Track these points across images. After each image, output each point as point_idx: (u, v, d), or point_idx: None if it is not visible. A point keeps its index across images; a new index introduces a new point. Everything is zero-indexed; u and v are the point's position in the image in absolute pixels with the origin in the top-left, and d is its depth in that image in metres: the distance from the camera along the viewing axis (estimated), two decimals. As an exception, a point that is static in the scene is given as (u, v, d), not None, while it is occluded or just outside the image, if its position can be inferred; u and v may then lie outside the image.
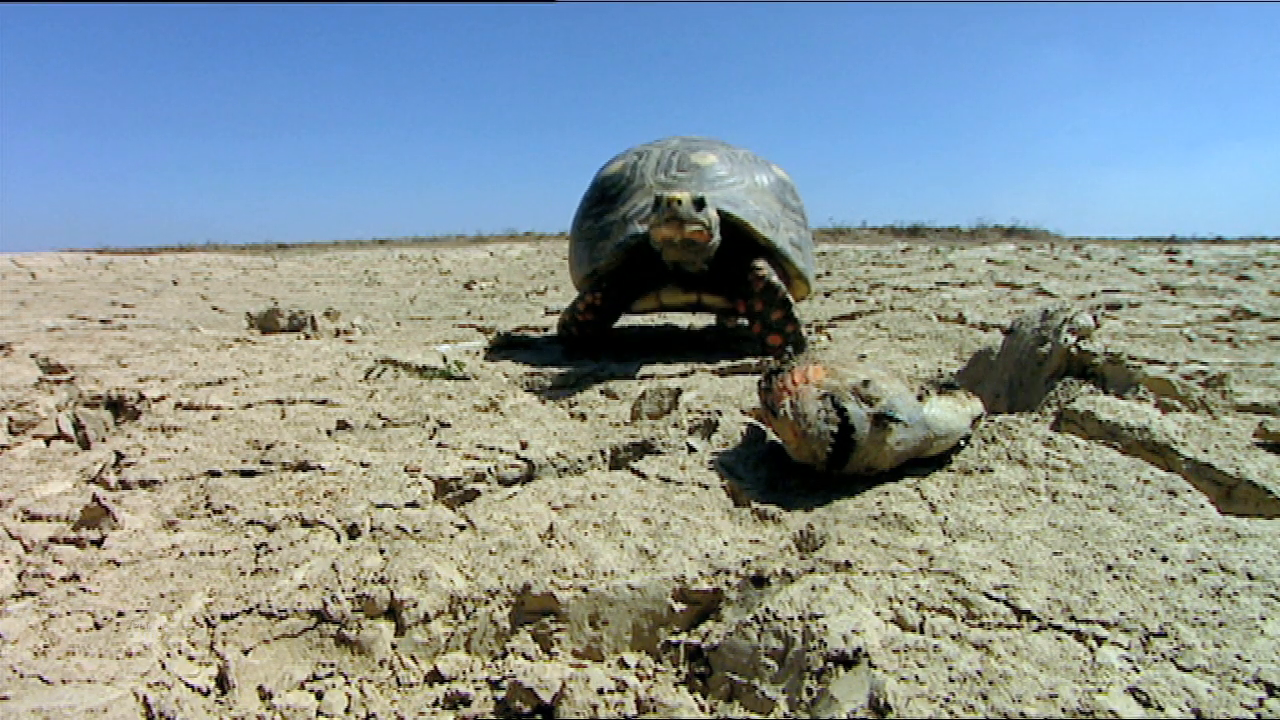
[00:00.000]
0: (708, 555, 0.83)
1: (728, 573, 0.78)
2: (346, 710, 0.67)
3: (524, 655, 0.73)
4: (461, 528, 0.93)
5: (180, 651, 0.72)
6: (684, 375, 1.85)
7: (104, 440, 1.40)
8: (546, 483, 1.10)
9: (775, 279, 1.98)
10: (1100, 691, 0.56)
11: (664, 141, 2.39)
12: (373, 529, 0.94)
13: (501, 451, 1.22)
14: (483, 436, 1.31)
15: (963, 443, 1.09)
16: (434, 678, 0.71)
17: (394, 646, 0.74)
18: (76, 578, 0.85)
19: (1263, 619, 0.65)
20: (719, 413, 1.33)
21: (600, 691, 0.65)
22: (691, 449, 1.18)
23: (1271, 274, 4.19)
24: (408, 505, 1.02)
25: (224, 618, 0.76)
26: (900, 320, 2.74)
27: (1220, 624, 0.64)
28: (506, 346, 2.40)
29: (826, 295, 3.85)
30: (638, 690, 0.66)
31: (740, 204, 2.08)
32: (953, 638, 0.64)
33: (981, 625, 0.66)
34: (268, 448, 1.31)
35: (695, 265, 1.96)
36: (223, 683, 0.69)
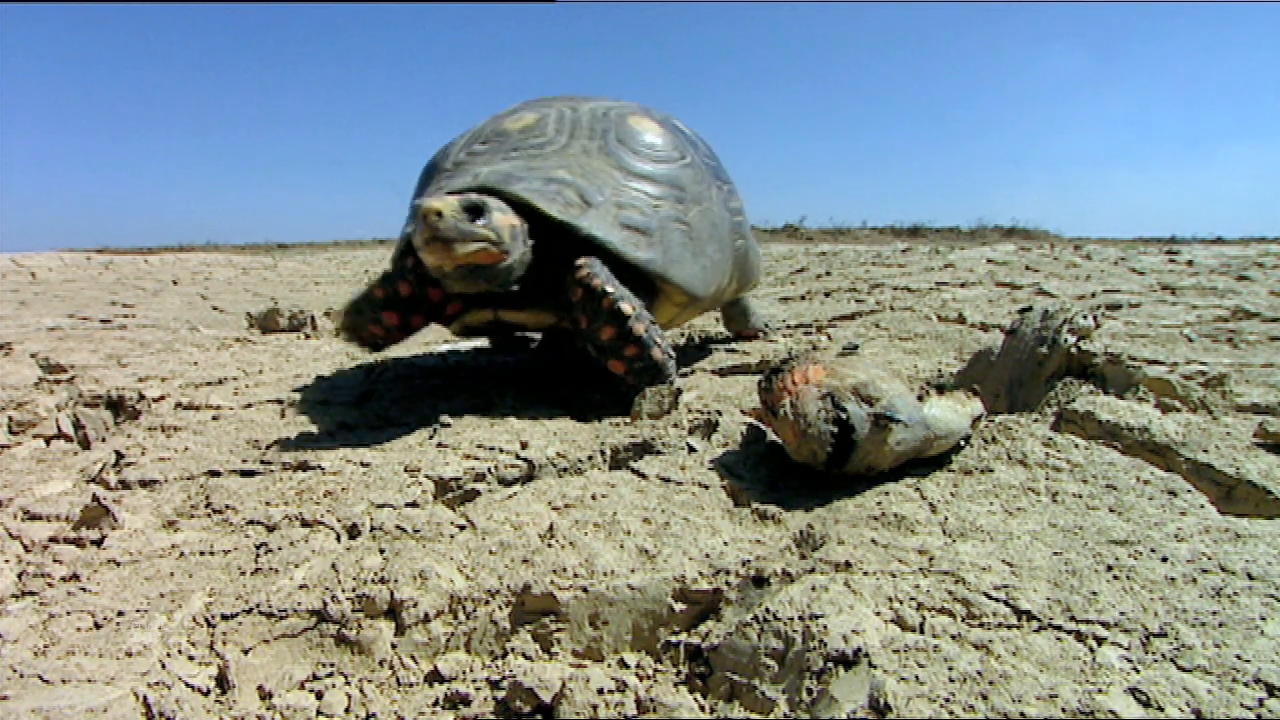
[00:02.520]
0: (708, 555, 0.83)
1: (728, 573, 0.78)
2: (346, 710, 0.67)
3: (524, 655, 0.73)
4: (461, 528, 0.93)
5: (180, 651, 0.72)
6: (684, 375, 1.85)
7: (104, 440, 1.40)
8: (546, 483, 1.10)
9: (601, 283, 1.41)
10: (1100, 691, 0.56)
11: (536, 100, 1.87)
12: (373, 529, 0.94)
13: (501, 451, 1.22)
14: (483, 436, 1.31)
15: (963, 443, 1.09)
16: (434, 678, 0.71)
17: (394, 646, 0.74)
18: (76, 578, 0.85)
19: (1263, 619, 0.65)
20: (719, 413, 1.33)
21: (600, 691, 0.65)
22: (691, 449, 1.18)
23: (1271, 274, 4.20)
24: (408, 505, 1.02)
25: (224, 618, 0.76)
26: (900, 320, 2.74)
27: (1220, 624, 0.64)
28: (507, 346, 2.40)
29: (827, 295, 3.85)
30: (638, 690, 0.66)
31: (541, 176, 1.52)
32: (953, 638, 0.64)
33: (981, 625, 0.66)
34: (268, 448, 1.31)
35: (495, 287, 1.43)
36: (223, 683, 0.69)
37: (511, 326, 1.69)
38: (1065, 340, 1.39)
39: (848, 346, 2.17)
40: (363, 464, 1.19)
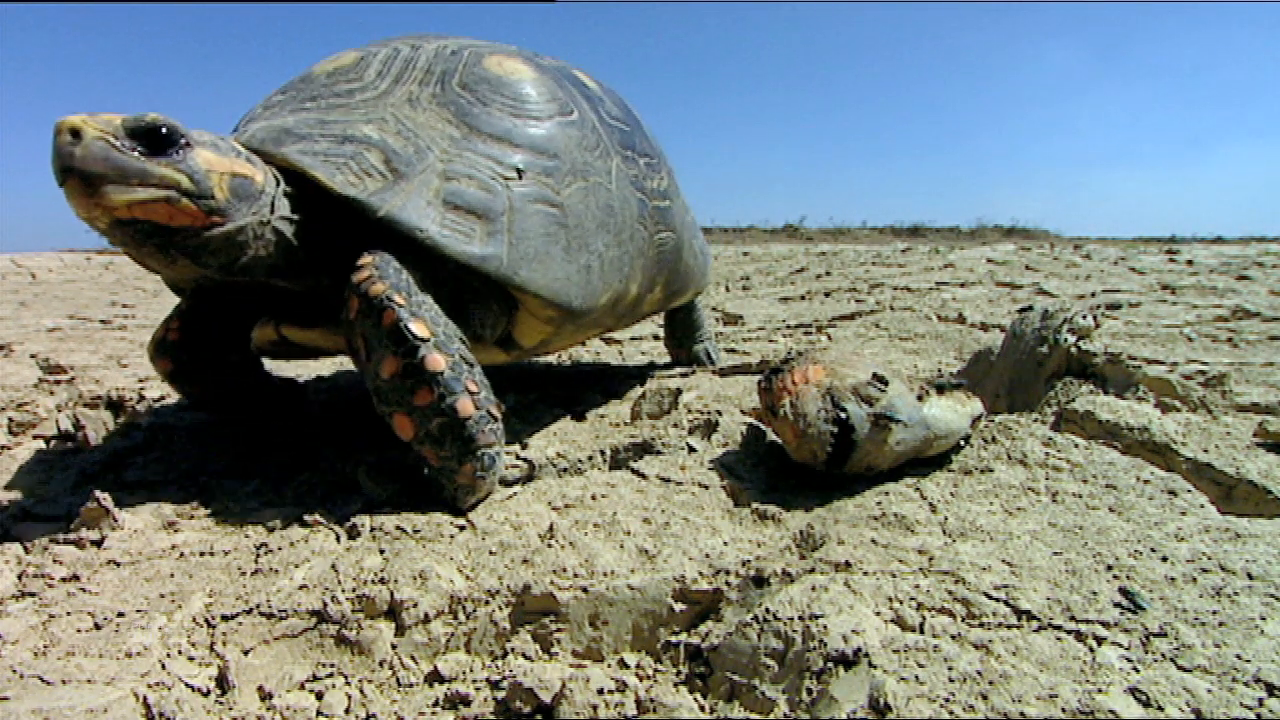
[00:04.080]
0: (708, 555, 0.83)
1: (728, 573, 0.78)
2: (346, 710, 0.67)
3: (524, 655, 0.73)
4: (461, 528, 0.93)
5: (180, 652, 0.72)
6: (684, 375, 1.85)
7: (104, 440, 1.40)
8: (546, 483, 1.10)
9: (383, 290, 0.97)
10: (1100, 691, 0.56)
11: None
12: (373, 529, 0.93)
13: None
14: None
15: (963, 443, 1.09)
16: (434, 678, 0.71)
17: (394, 647, 0.74)
18: (76, 578, 0.85)
19: (1263, 619, 0.65)
20: (719, 413, 1.33)
21: (600, 691, 0.65)
22: (691, 449, 1.18)
23: (1271, 274, 4.20)
24: (408, 505, 1.02)
25: (224, 618, 0.76)
26: (900, 320, 2.74)
27: (1220, 624, 0.64)
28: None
29: (827, 295, 3.86)
30: (638, 690, 0.66)
31: (334, 134, 1.10)
32: (953, 638, 0.64)
33: (981, 625, 0.66)
34: (268, 447, 1.31)
35: (227, 276, 1.03)
36: (223, 683, 0.69)
37: (303, 349, 1.29)
38: (1065, 340, 1.39)
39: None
40: (363, 463, 1.19)
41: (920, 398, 1.04)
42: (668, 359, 2.07)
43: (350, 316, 0.99)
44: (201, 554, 0.90)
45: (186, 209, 0.93)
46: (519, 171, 1.17)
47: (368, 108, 1.16)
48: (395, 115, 1.14)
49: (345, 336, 1.02)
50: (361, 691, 0.69)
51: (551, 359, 2.21)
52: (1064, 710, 0.55)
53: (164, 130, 0.90)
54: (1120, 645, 0.62)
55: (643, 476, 1.09)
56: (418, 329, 0.96)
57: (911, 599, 0.70)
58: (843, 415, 0.97)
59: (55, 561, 0.88)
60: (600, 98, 1.46)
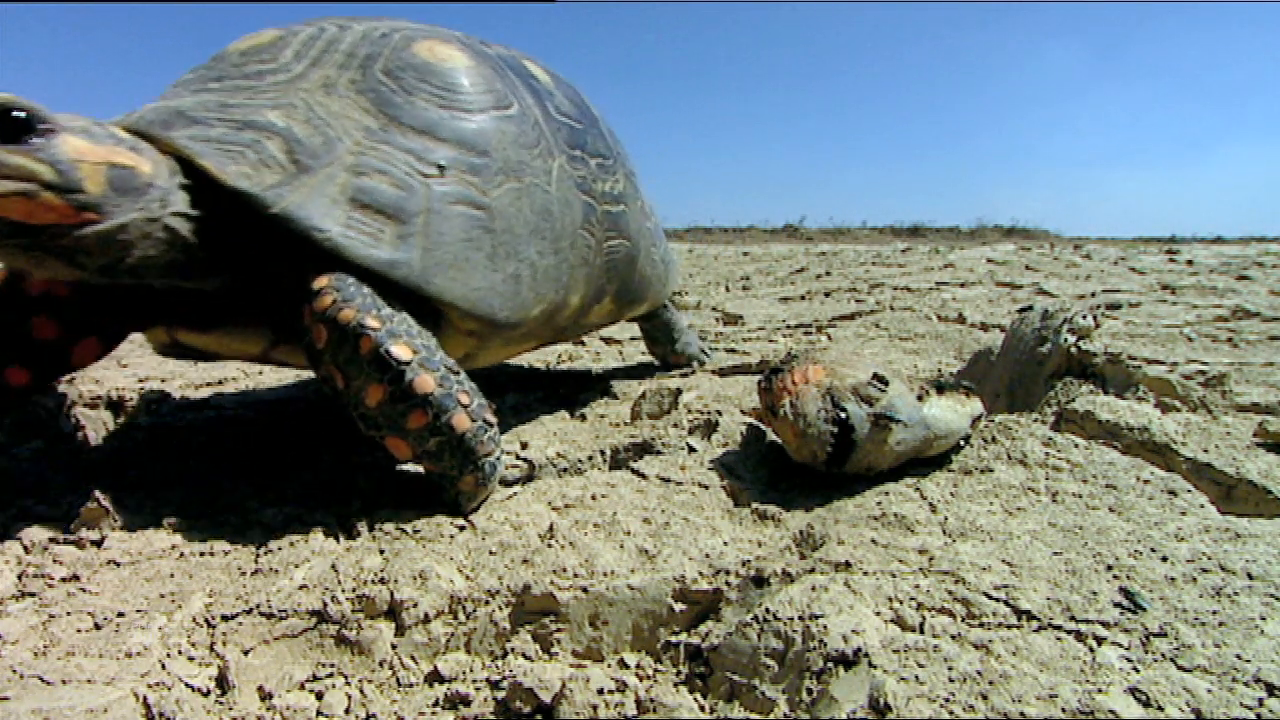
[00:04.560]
0: (708, 555, 0.83)
1: (728, 573, 0.78)
2: (346, 710, 0.67)
3: (524, 655, 0.73)
4: (461, 528, 0.93)
5: (180, 651, 0.72)
6: (684, 375, 1.85)
7: (104, 440, 1.40)
8: (546, 483, 1.10)
9: (355, 315, 0.91)
10: (1100, 691, 0.56)
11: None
12: (373, 529, 0.93)
13: (502, 451, 1.22)
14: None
15: (963, 443, 1.09)
16: (434, 678, 0.71)
17: (394, 647, 0.74)
18: (76, 578, 0.85)
19: (1263, 619, 0.65)
20: (719, 413, 1.33)
21: (600, 691, 0.65)
22: (691, 449, 1.18)
23: (1271, 274, 4.20)
24: (408, 505, 1.02)
25: (224, 618, 0.76)
26: (900, 320, 2.74)
27: (1220, 624, 0.64)
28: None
29: (827, 295, 3.86)
30: (638, 690, 0.66)
31: (233, 120, 0.99)
32: (953, 638, 0.64)
33: (981, 625, 0.66)
34: (268, 447, 1.31)
35: (107, 278, 0.91)
36: (223, 683, 0.69)
37: (202, 354, 1.16)
38: (1065, 340, 1.39)
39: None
40: (363, 463, 1.19)
41: (920, 398, 1.04)
42: (668, 359, 2.07)
43: (319, 346, 0.92)
44: (201, 554, 0.90)
45: (50, 204, 0.80)
46: (441, 168, 1.06)
47: (277, 92, 1.04)
48: (307, 101, 1.03)
49: (310, 364, 0.96)
50: (361, 691, 0.69)
51: (551, 359, 2.21)
52: (1064, 710, 0.55)
53: (18, 114, 0.77)
54: (1120, 645, 0.62)
55: (643, 476, 1.09)
56: (400, 352, 0.91)
57: (911, 599, 0.70)
58: (843, 415, 0.97)
59: (55, 561, 0.88)
60: (550, 92, 1.34)
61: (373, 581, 0.79)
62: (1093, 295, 3.40)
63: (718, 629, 0.72)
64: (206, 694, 0.68)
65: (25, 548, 0.92)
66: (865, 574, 0.75)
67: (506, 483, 1.11)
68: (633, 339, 2.60)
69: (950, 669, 0.60)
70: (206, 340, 1.10)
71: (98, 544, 0.93)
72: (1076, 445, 1.06)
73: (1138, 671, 0.59)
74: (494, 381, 1.84)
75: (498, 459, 0.99)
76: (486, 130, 1.14)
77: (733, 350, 2.22)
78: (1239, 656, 0.60)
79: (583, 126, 1.39)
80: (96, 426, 1.43)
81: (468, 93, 1.15)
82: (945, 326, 2.57)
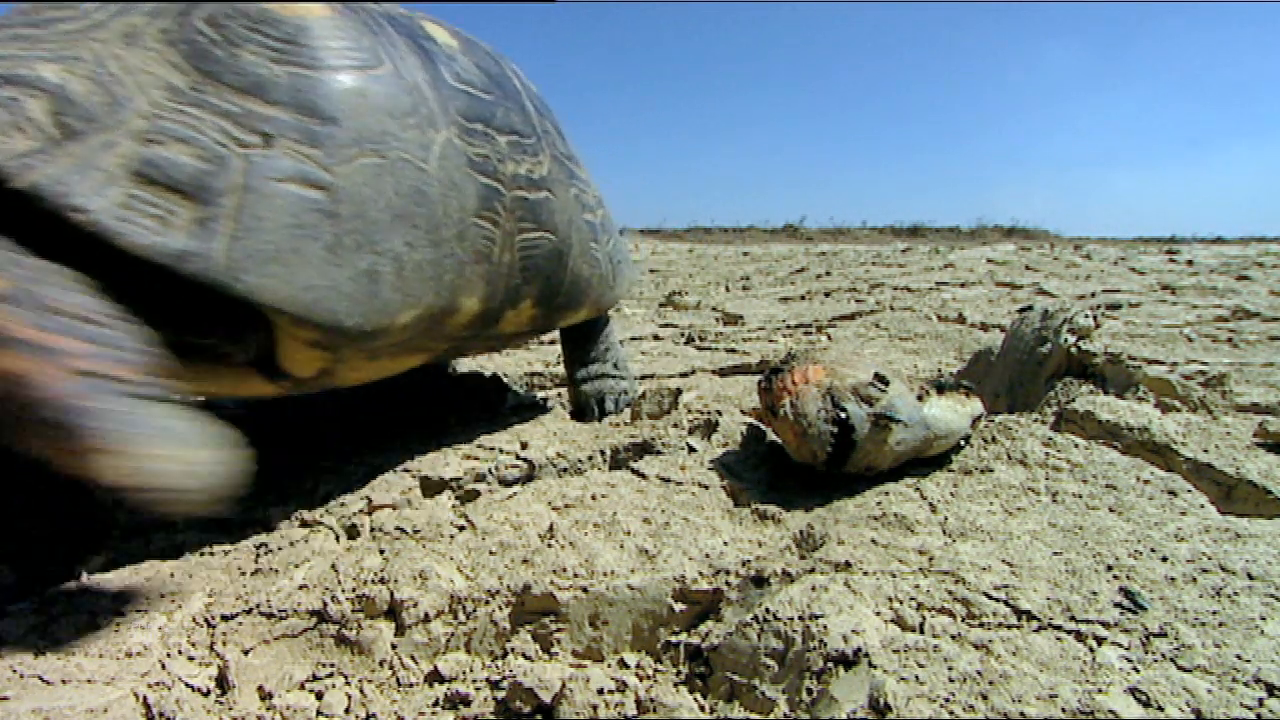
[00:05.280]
0: (708, 555, 0.83)
1: (728, 573, 0.78)
2: (346, 710, 0.67)
3: (524, 655, 0.73)
4: (461, 528, 0.93)
5: (180, 651, 0.72)
6: (684, 375, 1.85)
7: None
8: (546, 483, 1.10)
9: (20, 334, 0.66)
10: (1100, 691, 0.56)
11: None
12: (373, 529, 0.94)
13: (501, 451, 1.22)
14: (483, 436, 1.32)
15: (963, 443, 1.09)
16: (434, 678, 0.71)
17: (394, 646, 0.74)
18: (76, 577, 0.85)
19: (1263, 619, 0.65)
20: (719, 413, 1.33)
21: (600, 691, 0.65)
22: (691, 449, 1.18)
23: (1271, 274, 4.20)
24: (407, 505, 1.02)
25: (224, 618, 0.76)
26: (900, 320, 2.74)
27: (1220, 624, 0.64)
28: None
29: (827, 295, 3.86)
30: (638, 690, 0.66)
31: None
32: (953, 638, 0.64)
33: (981, 625, 0.66)
34: (268, 447, 1.31)
35: None
36: (223, 683, 0.69)
37: None
38: (1065, 340, 1.39)
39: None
40: (363, 463, 1.19)
41: (920, 398, 1.04)
42: (668, 359, 2.07)
43: None
44: (201, 554, 0.90)
45: None
46: (266, 137, 0.86)
47: (63, 42, 0.85)
48: (97, 54, 0.84)
49: None
50: (361, 691, 0.69)
51: (551, 359, 2.20)
52: (1064, 710, 0.55)
53: None
54: (1120, 645, 0.62)
55: (643, 476, 1.09)
56: (20, 330, 0.65)
57: (911, 599, 0.70)
58: (843, 415, 0.97)
59: (56, 561, 0.88)
60: (450, 57, 1.13)
61: (373, 581, 0.80)
62: (1093, 295, 3.41)
63: (718, 629, 0.72)
64: (206, 694, 0.68)
65: (26, 546, 0.92)
66: (865, 574, 0.75)
67: (506, 483, 1.11)
68: (633, 339, 2.60)
69: (950, 669, 0.60)
70: None
71: (98, 543, 0.93)
72: (1076, 445, 1.06)
73: (1138, 671, 0.59)
74: (494, 381, 1.84)
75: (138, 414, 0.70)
76: (337, 92, 0.92)
77: (733, 350, 2.22)
78: (1239, 656, 0.60)
79: (492, 98, 1.16)
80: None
81: (316, 47, 0.93)
82: (945, 326, 2.57)
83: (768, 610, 0.69)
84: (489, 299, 1.11)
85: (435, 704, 0.67)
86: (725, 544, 0.87)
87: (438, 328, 1.05)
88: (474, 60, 1.18)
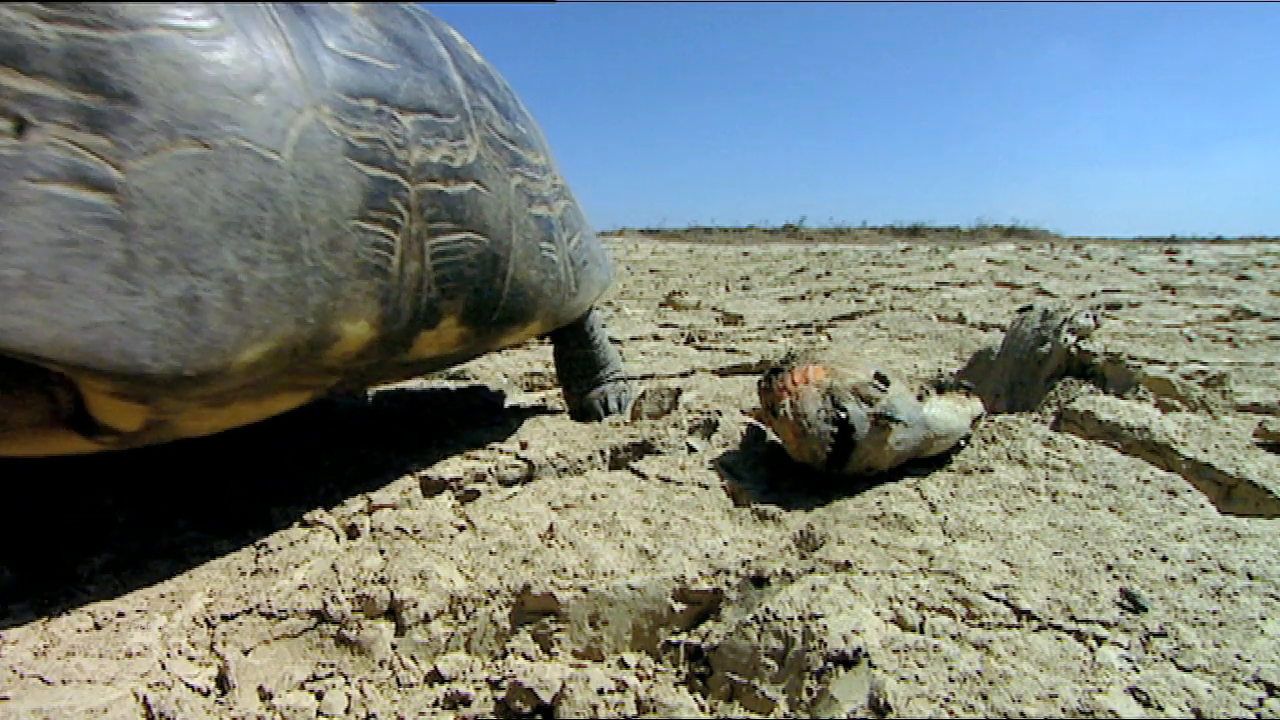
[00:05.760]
0: (708, 555, 0.83)
1: (728, 573, 0.78)
2: (346, 710, 0.67)
3: (524, 655, 0.73)
4: (461, 528, 0.93)
5: (180, 651, 0.72)
6: (684, 375, 1.85)
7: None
8: (546, 483, 1.10)
9: None
10: (1100, 691, 0.56)
11: None
12: (373, 529, 0.94)
13: (501, 451, 1.22)
14: (483, 436, 1.32)
15: (963, 443, 1.09)
16: (434, 678, 0.71)
17: (394, 647, 0.74)
18: (77, 577, 0.85)
19: (1263, 619, 0.65)
20: (719, 413, 1.33)
21: (600, 691, 0.65)
22: (691, 449, 1.18)
23: (1271, 274, 4.20)
24: (407, 505, 1.02)
25: (224, 618, 0.76)
26: (900, 320, 2.74)
27: (1220, 624, 0.64)
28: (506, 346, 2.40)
29: (827, 295, 3.86)
30: (638, 690, 0.66)
31: None
32: (953, 638, 0.64)
33: (981, 625, 0.66)
34: (267, 447, 1.31)
35: None
36: (223, 683, 0.69)
37: None
38: (1065, 340, 1.39)
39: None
40: (363, 463, 1.19)
41: (920, 398, 1.04)
42: (668, 359, 2.07)
43: None
44: (201, 554, 0.90)
45: None
46: (21, 123, 0.63)
47: None
48: None
49: None
50: (361, 691, 0.69)
51: (551, 358, 2.20)
52: (1064, 710, 0.55)
53: None
54: (1120, 645, 0.62)
55: (643, 476, 1.09)
56: None
57: (911, 599, 0.70)
58: (843, 415, 0.97)
59: (56, 561, 0.88)
60: (340, 16, 0.89)
61: (373, 581, 0.80)
62: (1093, 295, 3.41)
63: (718, 629, 0.72)
64: (206, 694, 0.68)
65: (26, 547, 0.92)
66: (865, 574, 0.75)
67: (506, 483, 1.11)
68: (633, 339, 2.60)
69: (950, 669, 0.60)
70: None
71: (98, 543, 0.93)
72: (1076, 445, 1.06)
73: (1138, 671, 0.59)
74: (493, 382, 1.84)
75: None
76: (139, 60, 0.69)
77: (733, 350, 2.22)
78: (1239, 656, 0.60)
79: (396, 68, 0.92)
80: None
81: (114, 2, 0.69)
82: (945, 326, 2.57)
83: (768, 610, 0.69)
84: (387, 321, 0.90)
85: (435, 704, 0.67)
86: (725, 544, 0.87)
87: (310, 361, 0.84)
88: (375, 21, 0.94)
